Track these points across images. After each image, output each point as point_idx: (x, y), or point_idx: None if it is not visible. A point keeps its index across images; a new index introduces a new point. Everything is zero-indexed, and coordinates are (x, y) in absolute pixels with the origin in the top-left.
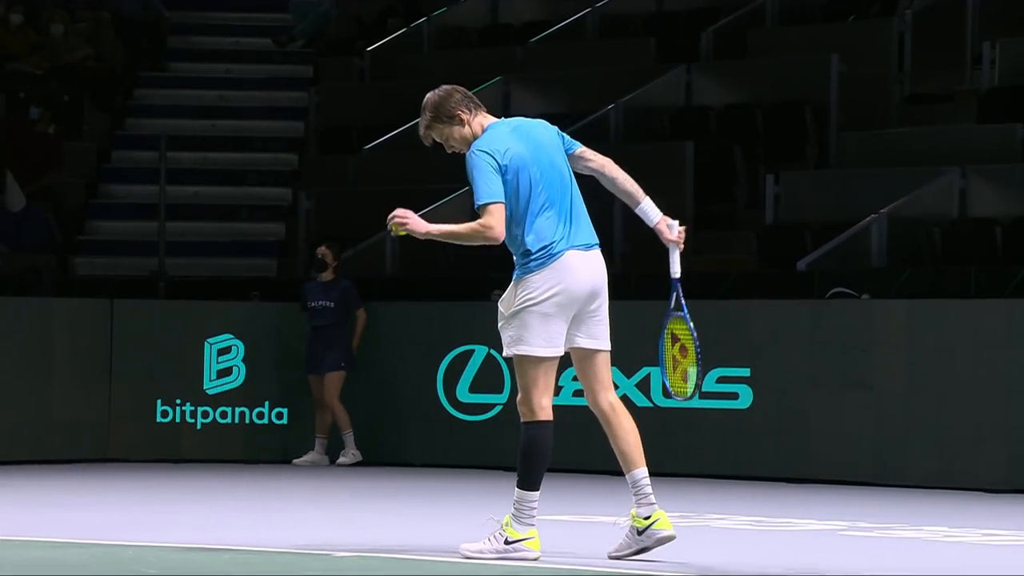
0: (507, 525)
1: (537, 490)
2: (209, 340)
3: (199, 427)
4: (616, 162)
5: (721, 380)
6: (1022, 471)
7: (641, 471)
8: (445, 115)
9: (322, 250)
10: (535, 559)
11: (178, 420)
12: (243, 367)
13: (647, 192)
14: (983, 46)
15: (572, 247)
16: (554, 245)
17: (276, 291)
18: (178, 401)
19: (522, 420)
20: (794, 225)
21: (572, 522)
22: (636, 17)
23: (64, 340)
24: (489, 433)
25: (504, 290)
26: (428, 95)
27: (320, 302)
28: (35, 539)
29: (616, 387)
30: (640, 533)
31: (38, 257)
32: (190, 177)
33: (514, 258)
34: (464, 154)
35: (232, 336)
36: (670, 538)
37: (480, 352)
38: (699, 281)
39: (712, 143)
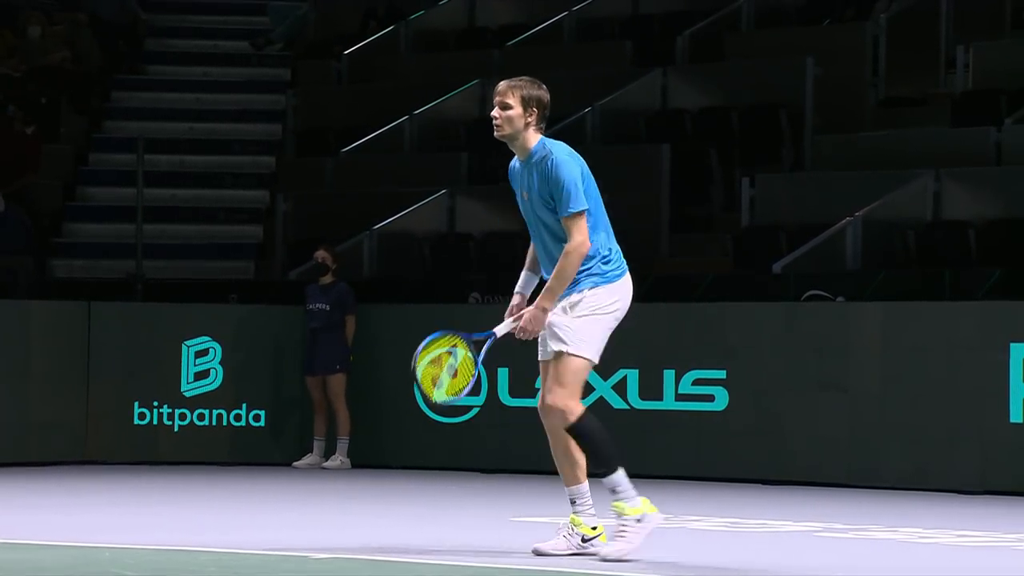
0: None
1: (621, 466)
2: (187, 342)
3: (176, 429)
4: (592, 165)
5: (697, 382)
6: (996, 473)
7: (587, 483)
8: (535, 105)
9: (320, 254)
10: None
11: (155, 422)
12: (221, 369)
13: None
14: (957, 50)
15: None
16: (623, 262)
17: (254, 293)
18: (155, 403)
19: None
20: (769, 227)
21: (552, 524)
22: (612, 20)
23: (41, 342)
24: (466, 436)
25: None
26: (536, 83)
27: (317, 304)
28: (12, 541)
29: (592, 389)
30: (585, 541)
31: (15, 259)
32: (167, 179)
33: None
34: (507, 135)
35: (210, 338)
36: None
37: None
38: (675, 283)
39: (688, 146)
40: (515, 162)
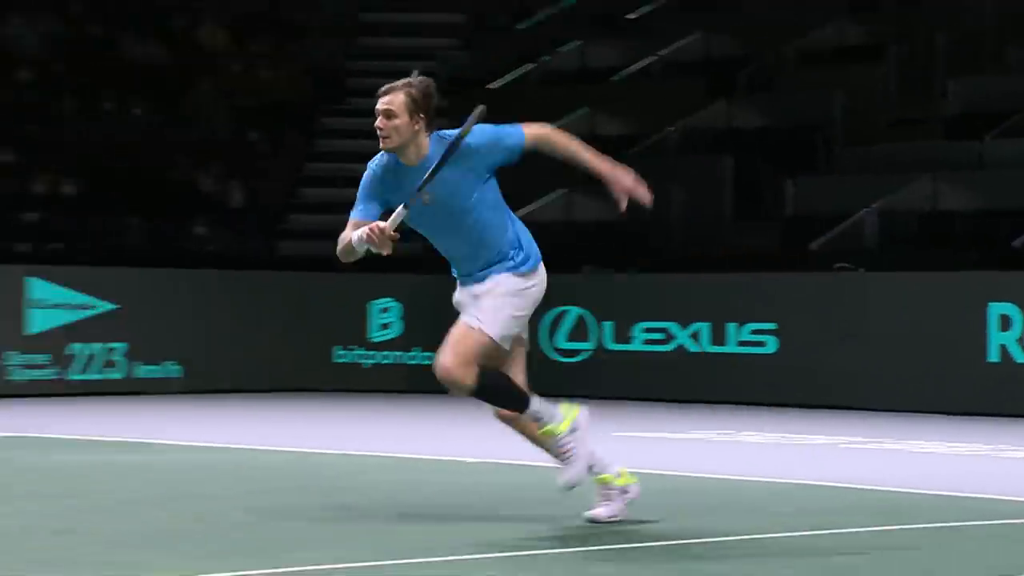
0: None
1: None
2: (372, 302)
3: (366, 366)
4: (672, 173)
5: (754, 332)
6: (977, 400)
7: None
8: (423, 103)
9: None
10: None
11: (350, 360)
12: (401, 323)
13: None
14: (948, 83)
15: None
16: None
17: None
18: (352, 347)
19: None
20: (807, 217)
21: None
22: (690, 63)
23: (274, 304)
24: None
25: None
26: (422, 78)
27: None
28: (282, 448)
29: (674, 337)
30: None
31: (248, 242)
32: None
33: (492, 252)
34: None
35: (392, 299)
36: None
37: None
38: (737, 259)
39: (746, 157)
40: (391, 164)
